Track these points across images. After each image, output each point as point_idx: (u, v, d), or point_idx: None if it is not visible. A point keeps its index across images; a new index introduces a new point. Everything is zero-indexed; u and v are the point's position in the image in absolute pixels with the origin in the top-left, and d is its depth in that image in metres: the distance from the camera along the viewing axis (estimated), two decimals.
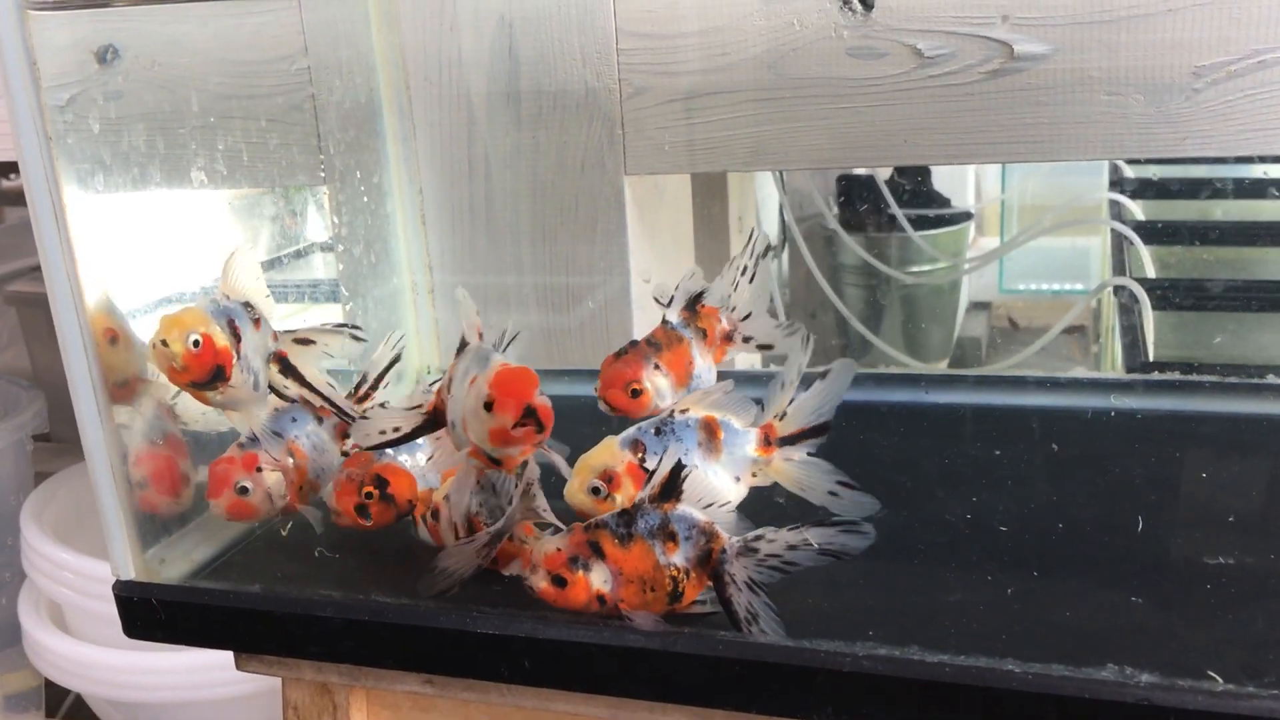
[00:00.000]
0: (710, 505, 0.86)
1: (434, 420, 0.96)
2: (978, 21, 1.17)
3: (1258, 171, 2.38)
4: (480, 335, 0.94)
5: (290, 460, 1.03)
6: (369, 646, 0.93)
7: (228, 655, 1.02)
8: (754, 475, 0.97)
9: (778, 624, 0.84)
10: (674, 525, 0.85)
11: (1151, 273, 1.93)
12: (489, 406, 0.84)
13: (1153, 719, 0.74)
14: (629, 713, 0.90)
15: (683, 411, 0.96)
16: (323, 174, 1.28)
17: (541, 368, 1.33)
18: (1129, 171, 2.41)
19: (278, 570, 1.02)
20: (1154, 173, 2.44)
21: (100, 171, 1.02)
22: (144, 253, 1.08)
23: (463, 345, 0.94)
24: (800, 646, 0.82)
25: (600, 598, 0.85)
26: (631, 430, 0.95)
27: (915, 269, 2.53)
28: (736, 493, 0.96)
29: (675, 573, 0.84)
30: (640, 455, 0.93)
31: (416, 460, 1.07)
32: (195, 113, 1.18)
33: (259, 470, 1.01)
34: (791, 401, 0.96)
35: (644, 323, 1.37)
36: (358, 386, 1.11)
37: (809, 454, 0.96)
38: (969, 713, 0.78)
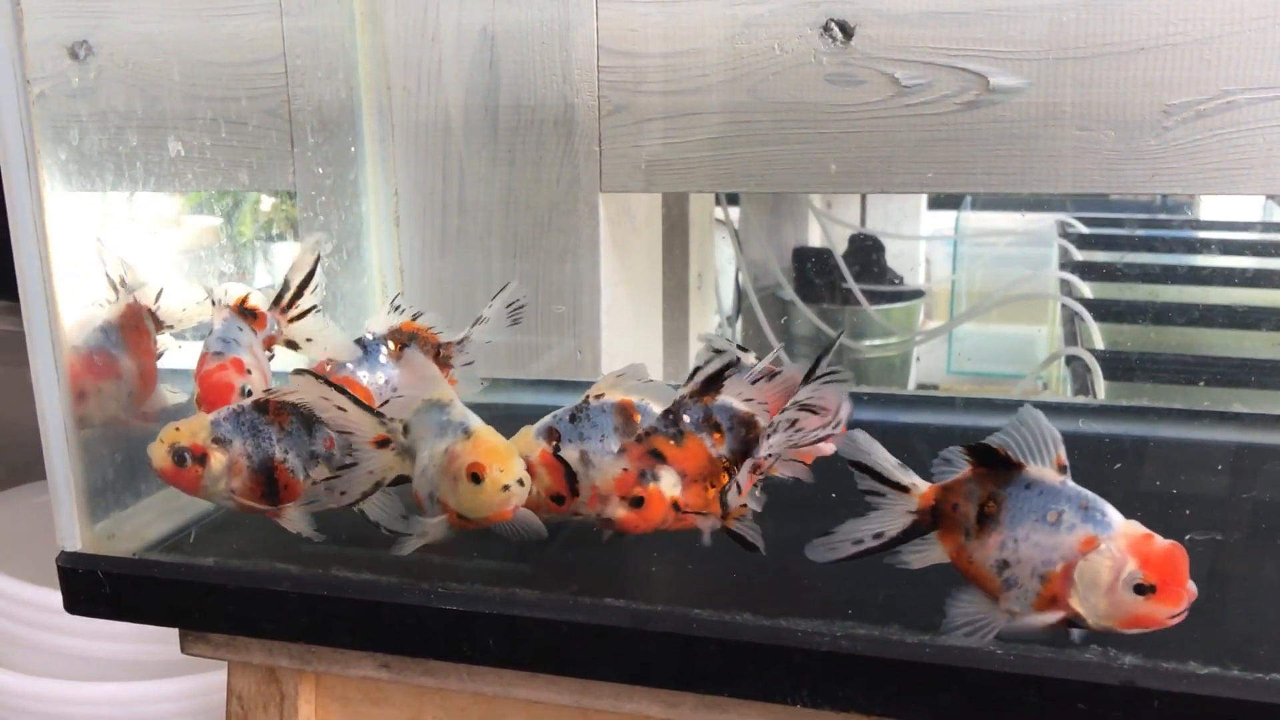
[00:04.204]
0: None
1: (932, 521, 0.81)
2: (954, 53, 1.19)
3: (1201, 259, 2.45)
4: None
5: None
6: (327, 624, 0.89)
7: (162, 686, 0.98)
8: None
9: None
10: (717, 416, 0.83)
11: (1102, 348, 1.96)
12: (1144, 590, 0.72)
13: (1135, 701, 0.73)
14: (593, 699, 0.87)
15: (598, 396, 0.92)
16: (294, 175, 1.26)
17: (510, 377, 1.33)
18: (1078, 255, 2.47)
19: (234, 548, 0.97)
20: (1103, 258, 2.50)
21: (65, 168, 0.98)
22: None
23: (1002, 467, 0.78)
24: (776, 626, 0.80)
25: (675, 505, 0.82)
26: (546, 419, 0.92)
27: (868, 342, 2.56)
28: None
29: (726, 464, 0.82)
30: (555, 444, 0.90)
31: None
32: (168, 107, 1.16)
33: (249, 372, 0.95)
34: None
35: (612, 339, 1.36)
36: (279, 297, 1.04)
37: None
38: (951, 694, 0.76)
